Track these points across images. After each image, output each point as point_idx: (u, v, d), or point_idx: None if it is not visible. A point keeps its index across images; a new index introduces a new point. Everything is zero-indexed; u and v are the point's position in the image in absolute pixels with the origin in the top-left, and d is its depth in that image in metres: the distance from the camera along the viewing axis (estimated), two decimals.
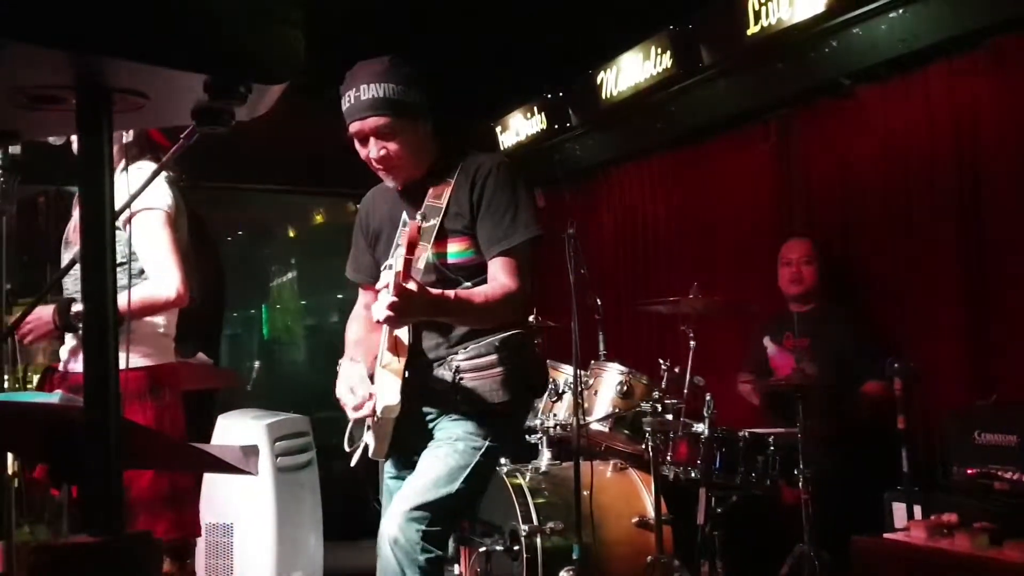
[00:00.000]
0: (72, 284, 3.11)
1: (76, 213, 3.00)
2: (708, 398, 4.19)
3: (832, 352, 4.50)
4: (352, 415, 2.89)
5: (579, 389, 4.07)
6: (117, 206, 2.97)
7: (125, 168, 3.00)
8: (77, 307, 2.97)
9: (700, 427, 4.18)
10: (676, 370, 4.33)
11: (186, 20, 1.09)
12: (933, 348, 4.35)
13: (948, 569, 3.46)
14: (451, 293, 2.72)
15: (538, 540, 4.02)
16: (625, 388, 4.32)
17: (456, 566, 4.23)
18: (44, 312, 3.00)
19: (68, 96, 1.16)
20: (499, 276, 2.79)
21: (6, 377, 3.40)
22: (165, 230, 3.08)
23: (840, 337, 4.56)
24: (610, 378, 4.37)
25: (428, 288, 2.63)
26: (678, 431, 4.21)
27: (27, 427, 1.61)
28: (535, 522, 4.04)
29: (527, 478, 4.22)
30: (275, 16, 1.15)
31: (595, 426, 4.30)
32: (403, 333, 2.86)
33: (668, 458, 4.23)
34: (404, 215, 2.98)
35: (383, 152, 2.83)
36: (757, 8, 4.67)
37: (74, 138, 1.43)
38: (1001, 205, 4.11)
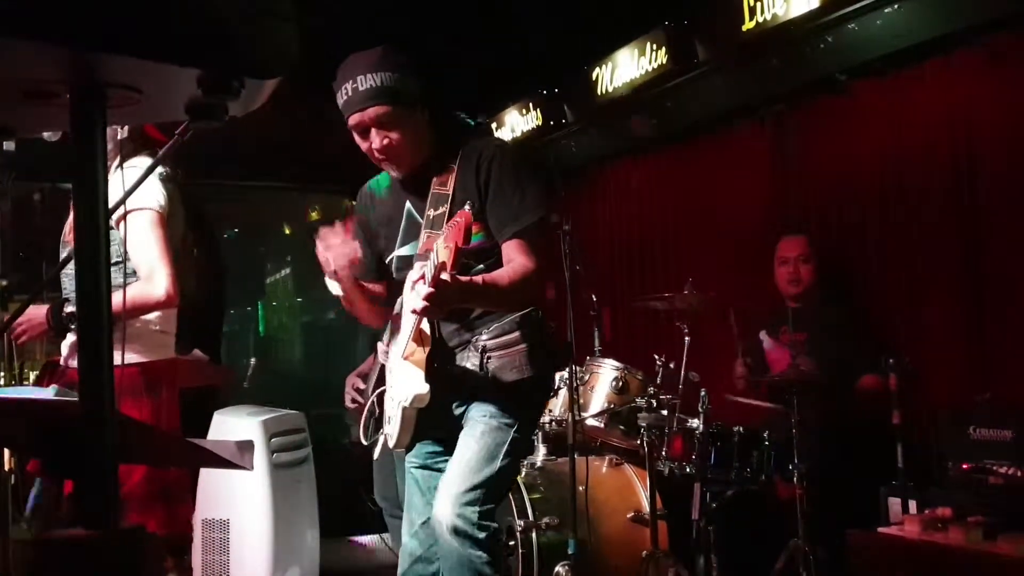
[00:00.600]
0: (69, 283, 3.10)
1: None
2: (703, 393, 4.20)
3: (828, 347, 4.50)
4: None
5: (575, 385, 4.08)
6: (111, 204, 2.97)
7: (120, 165, 3.00)
8: (70, 307, 2.97)
9: (695, 422, 4.19)
10: (671, 366, 4.34)
11: (179, 15, 1.09)
12: (929, 344, 4.35)
13: (943, 563, 3.48)
14: (479, 279, 2.72)
15: (533, 535, 4.03)
16: (620, 384, 4.33)
17: None
18: (37, 312, 3.00)
19: (62, 91, 1.16)
20: (516, 257, 2.79)
21: (1, 373, 3.40)
22: (156, 230, 3.07)
23: (836, 332, 4.56)
24: (605, 374, 4.38)
25: (458, 276, 2.62)
26: (673, 426, 4.22)
27: (22, 422, 1.61)
28: (531, 517, 4.05)
29: (523, 473, 4.22)
30: (268, 11, 1.15)
31: (590, 422, 4.30)
32: (427, 323, 2.85)
33: (663, 453, 4.24)
34: (408, 204, 2.97)
35: (386, 142, 2.81)
36: (752, 4, 4.66)
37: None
38: (997, 201, 4.12)
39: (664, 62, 5.31)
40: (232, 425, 4.79)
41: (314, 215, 8.92)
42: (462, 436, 2.87)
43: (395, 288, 3.06)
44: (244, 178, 7.17)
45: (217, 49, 1.13)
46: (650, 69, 5.40)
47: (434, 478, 2.94)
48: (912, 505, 3.82)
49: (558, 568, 3.94)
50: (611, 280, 6.37)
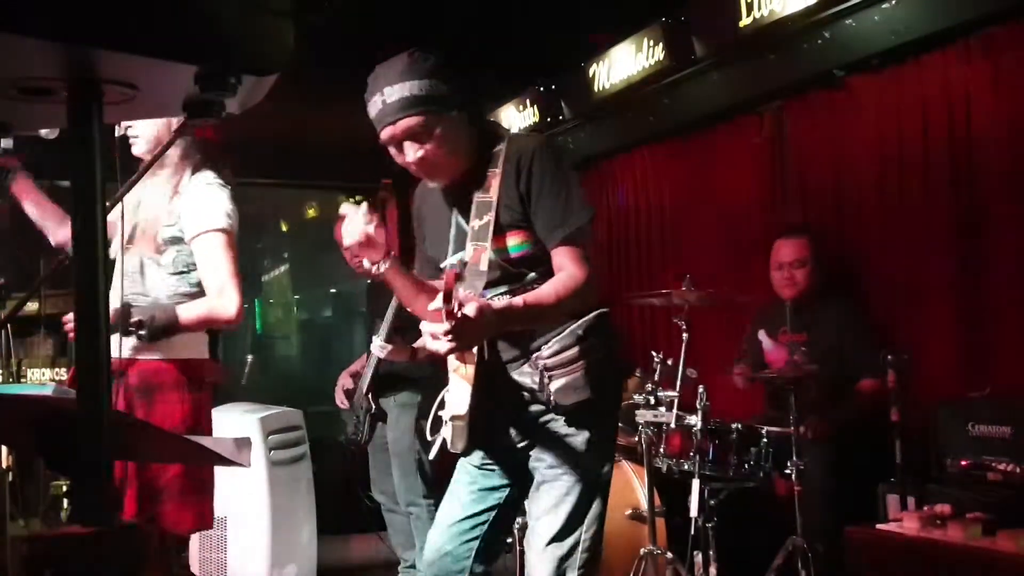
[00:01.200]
0: (130, 285, 3.11)
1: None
2: (701, 390, 4.19)
3: (827, 346, 4.49)
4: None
5: None
6: (181, 222, 3.03)
7: (190, 179, 3.13)
8: (138, 315, 2.99)
9: (693, 419, 4.18)
10: (669, 362, 4.33)
11: (176, 11, 1.09)
12: (927, 340, 4.35)
13: (941, 560, 3.48)
14: (519, 301, 2.57)
15: None
16: None
17: None
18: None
19: (58, 88, 1.16)
20: (566, 266, 2.65)
21: None
22: (228, 252, 3.13)
23: (835, 331, 4.56)
24: None
25: (491, 303, 2.50)
26: (671, 423, 4.21)
27: (20, 419, 1.61)
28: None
29: None
30: (265, 7, 1.15)
31: None
32: None
33: (661, 450, 4.23)
34: (455, 213, 2.82)
35: (420, 154, 2.65)
36: (749, 0, 4.67)
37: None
38: (995, 195, 4.11)
39: (661, 58, 5.32)
40: (229, 422, 4.79)
41: (311, 212, 8.91)
42: (544, 488, 2.75)
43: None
44: (240, 175, 7.15)
45: (214, 45, 1.12)
46: (647, 65, 5.41)
47: (487, 477, 2.86)
48: (911, 502, 3.83)
49: None
50: (609, 276, 6.36)
